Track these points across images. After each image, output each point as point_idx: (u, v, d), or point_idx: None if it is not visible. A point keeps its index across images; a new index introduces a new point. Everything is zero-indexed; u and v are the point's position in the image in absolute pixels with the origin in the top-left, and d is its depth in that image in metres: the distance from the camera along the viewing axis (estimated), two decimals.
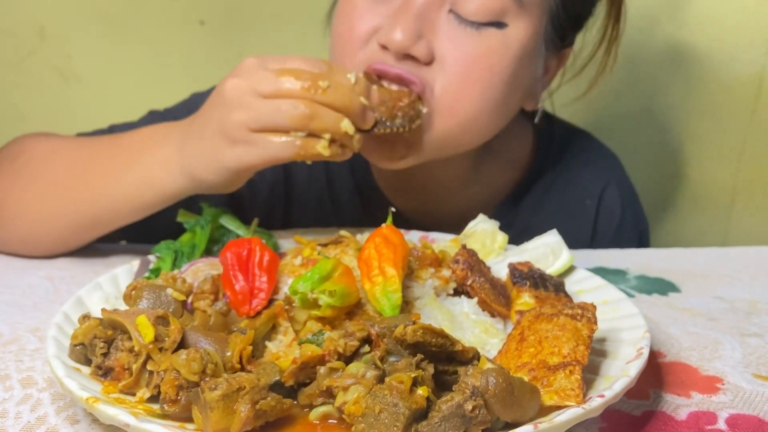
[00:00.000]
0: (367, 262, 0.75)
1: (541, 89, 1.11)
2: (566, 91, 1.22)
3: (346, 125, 0.86)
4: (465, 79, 0.96)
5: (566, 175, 1.27)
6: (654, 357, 0.80)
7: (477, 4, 0.94)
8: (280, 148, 0.85)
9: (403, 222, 1.17)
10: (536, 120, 1.15)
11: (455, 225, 1.05)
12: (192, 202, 0.98)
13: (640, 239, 1.31)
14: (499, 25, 0.96)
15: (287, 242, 0.98)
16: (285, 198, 1.23)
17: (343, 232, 0.88)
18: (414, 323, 0.62)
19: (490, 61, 0.97)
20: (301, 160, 0.87)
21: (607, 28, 1.14)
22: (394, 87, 0.95)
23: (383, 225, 0.80)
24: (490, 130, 1.05)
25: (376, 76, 0.95)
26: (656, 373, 0.77)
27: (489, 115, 1.01)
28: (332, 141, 0.87)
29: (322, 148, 0.86)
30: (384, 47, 0.95)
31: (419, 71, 0.96)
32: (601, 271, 1.06)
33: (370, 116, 0.90)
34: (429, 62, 0.96)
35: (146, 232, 1.08)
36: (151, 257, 0.93)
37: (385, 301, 0.71)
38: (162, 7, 1.71)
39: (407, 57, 0.95)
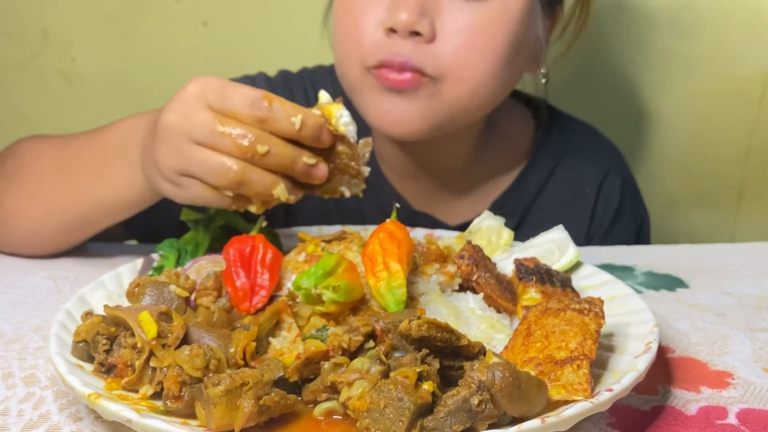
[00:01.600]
0: (371, 257, 0.74)
1: (542, 50, 1.13)
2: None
3: (280, 191, 0.79)
4: (470, 47, 1.00)
5: (567, 163, 1.27)
6: (662, 352, 0.80)
7: None
8: (209, 198, 0.81)
9: (407, 211, 1.17)
10: (543, 81, 1.17)
11: (458, 210, 1.05)
12: None
13: (639, 230, 1.30)
14: None
15: (291, 240, 0.98)
16: None
17: (347, 228, 0.87)
18: (419, 318, 0.61)
19: (492, 28, 1.01)
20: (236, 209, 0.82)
21: None
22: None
23: (387, 220, 0.79)
24: (497, 95, 1.09)
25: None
26: (665, 369, 0.76)
27: (496, 80, 1.04)
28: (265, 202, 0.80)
29: (255, 209, 0.81)
30: (391, 31, 0.99)
31: (424, 50, 0.99)
32: (608, 268, 1.05)
33: (320, 171, 0.81)
34: (432, 39, 1.00)
35: (158, 232, 1.07)
36: (155, 255, 0.93)
37: (389, 297, 0.71)
38: (165, 8, 1.71)
39: (413, 34, 0.99)
